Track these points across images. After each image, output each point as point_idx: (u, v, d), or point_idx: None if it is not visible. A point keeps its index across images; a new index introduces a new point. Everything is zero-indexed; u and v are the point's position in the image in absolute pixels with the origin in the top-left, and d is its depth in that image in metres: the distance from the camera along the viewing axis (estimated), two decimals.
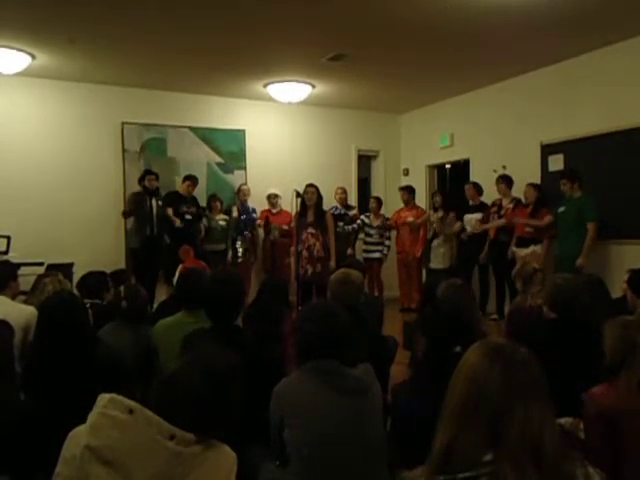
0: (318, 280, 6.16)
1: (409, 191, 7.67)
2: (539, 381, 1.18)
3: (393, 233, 7.75)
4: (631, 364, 1.96)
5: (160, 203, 6.72)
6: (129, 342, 2.86)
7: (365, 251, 7.66)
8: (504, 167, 6.90)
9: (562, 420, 1.92)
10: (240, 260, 7.15)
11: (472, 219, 6.83)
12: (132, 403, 1.33)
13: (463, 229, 6.93)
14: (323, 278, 5.23)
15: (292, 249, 6.98)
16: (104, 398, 1.34)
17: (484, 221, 6.70)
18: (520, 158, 6.83)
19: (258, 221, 7.41)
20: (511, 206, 6.42)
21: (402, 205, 7.72)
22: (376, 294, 7.41)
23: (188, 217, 6.82)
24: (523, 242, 6.07)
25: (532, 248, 5.95)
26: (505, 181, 6.56)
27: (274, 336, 3.16)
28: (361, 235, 7.76)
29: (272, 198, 7.41)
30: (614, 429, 1.86)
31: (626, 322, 2.10)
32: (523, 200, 6.32)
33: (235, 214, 7.22)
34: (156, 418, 1.32)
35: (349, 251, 7.29)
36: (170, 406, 1.36)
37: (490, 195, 6.90)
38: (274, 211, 7.42)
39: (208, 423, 1.37)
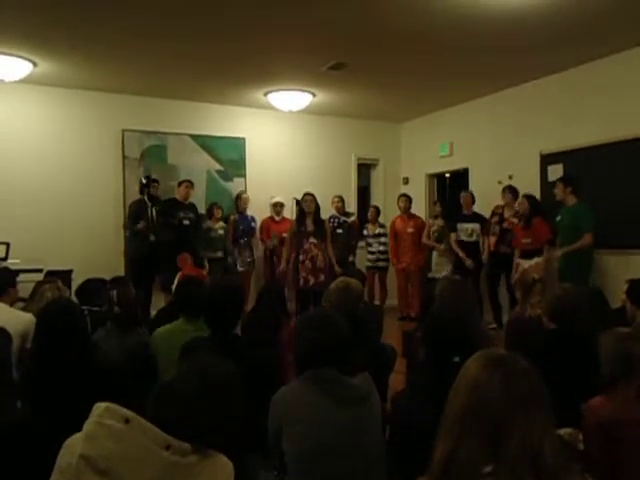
0: (323, 289, 6.14)
1: (410, 199, 7.70)
2: (539, 392, 1.18)
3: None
4: (628, 376, 1.96)
5: (157, 209, 6.71)
6: (119, 348, 2.84)
7: (369, 260, 7.66)
8: (510, 177, 6.89)
9: (561, 431, 1.91)
10: (241, 269, 7.14)
11: (469, 228, 6.87)
12: (128, 412, 1.32)
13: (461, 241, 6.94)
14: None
15: (292, 256, 6.97)
16: (100, 407, 1.33)
17: (485, 232, 6.79)
18: (519, 168, 6.85)
19: (259, 235, 7.42)
20: (516, 220, 6.35)
21: (399, 213, 7.74)
22: (377, 302, 7.41)
23: (186, 222, 6.82)
24: (526, 254, 6.00)
25: (535, 260, 5.89)
26: (512, 192, 6.54)
27: (272, 344, 3.15)
28: (362, 243, 7.78)
29: (277, 207, 7.40)
30: (613, 440, 1.86)
31: (621, 335, 2.10)
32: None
33: (232, 219, 7.23)
34: (152, 428, 1.31)
35: (350, 258, 7.30)
36: (167, 415, 1.35)
37: (488, 205, 6.91)
38: (277, 219, 7.42)
39: (205, 432, 1.36)
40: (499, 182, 6.92)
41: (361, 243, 7.80)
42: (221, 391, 1.42)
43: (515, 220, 6.37)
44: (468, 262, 6.77)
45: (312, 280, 6.33)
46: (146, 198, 6.63)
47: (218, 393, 1.40)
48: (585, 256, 5.51)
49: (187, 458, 1.31)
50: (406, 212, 7.66)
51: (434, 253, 7.24)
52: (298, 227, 6.39)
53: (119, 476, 1.26)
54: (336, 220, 7.44)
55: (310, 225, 6.38)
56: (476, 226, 6.86)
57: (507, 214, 6.56)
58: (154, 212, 6.63)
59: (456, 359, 1.94)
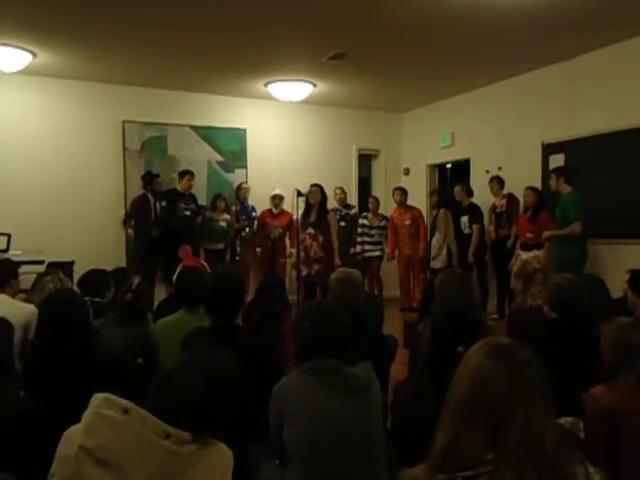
0: (317, 280, 6.18)
1: (405, 192, 7.70)
2: (541, 382, 1.18)
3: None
4: (629, 366, 1.96)
5: (164, 204, 6.70)
6: (125, 338, 2.83)
7: (365, 250, 7.66)
8: (500, 168, 6.96)
9: (562, 420, 1.91)
10: (238, 259, 7.16)
11: (461, 221, 6.92)
12: (127, 403, 1.32)
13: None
14: (324, 278, 5.23)
15: (292, 250, 7.01)
16: (98, 398, 1.33)
17: (476, 223, 6.83)
18: (521, 158, 6.83)
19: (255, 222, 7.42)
20: (504, 202, 6.58)
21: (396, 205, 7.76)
22: (376, 293, 7.42)
23: (187, 213, 6.81)
24: (526, 247, 6.05)
25: (534, 252, 5.90)
26: (499, 182, 6.73)
27: (273, 335, 3.16)
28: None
29: (276, 199, 7.36)
30: (613, 429, 1.87)
31: (622, 324, 2.10)
32: (520, 200, 6.40)
33: (233, 209, 7.23)
34: (151, 417, 1.31)
35: (351, 250, 7.30)
36: (167, 405, 1.35)
37: (488, 195, 6.91)
38: (275, 211, 7.40)
39: (205, 422, 1.37)
40: (487, 171, 6.98)
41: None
42: (221, 381, 1.42)
43: (504, 202, 6.56)
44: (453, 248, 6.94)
45: (305, 270, 6.36)
46: (149, 194, 6.62)
47: (218, 383, 1.41)
48: (579, 246, 5.51)
49: (187, 447, 1.31)
50: (402, 205, 7.65)
51: (433, 244, 7.24)
52: (303, 219, 6.44)
53: (119, 466, 1.26)
54: (338, 212, 7.43)
55: (313, 216, 6.41)
56: (465, 218, 6.90)
57: (497, 202, 6.72)
58: (157, 207, 6.62)
59: (460, 349, 1.94)
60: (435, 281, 3.20)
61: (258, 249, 7.32)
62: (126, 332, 2.90)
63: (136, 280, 3.15)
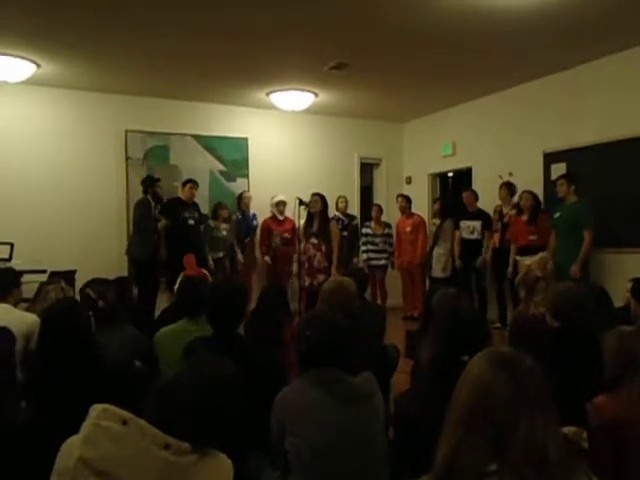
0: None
1: (408, 199, 7.71)
2: (544, 391, 1.17)
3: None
4: (631, 375, 1.95)
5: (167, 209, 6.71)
6: (113, 346, 2.81)
7: (369, 259, 7.66)
8: (510, 174, 6.89)
9: (565, 429, 1.90)
10: (240, 267, 7.15)
11: (470, 226, 6.87)
12: (125, 413, 1.31)
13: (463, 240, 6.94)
14: None
15: (296, 256, 7.00)
16: (97, 408, 1.32)
17: (489, 229, 6.75)
18: (522, 167, 6.83)
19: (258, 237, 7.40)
20: (514, 212, 6.42)
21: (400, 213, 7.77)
22: (379, 302, 7.40)
23: (191, 222, 6.81)
24: (529, 251, 5.99)
25: (540, 255, 5.88)
26: (508, 188, 6.60)
27: (275, 344, 3.15)
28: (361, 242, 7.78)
29: (280, 206, 7.37)
30: (617, 439, 1.85)
31: (624, 333, 2.09)
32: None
33: (233, 219, 7.23)
34: (150, 428, 1.30)
35: (354, 260, 7.30)
36: (167, 414, 1.34)
37: (491, 203, 6.90)
38: (280, 218, 7.40)
39: (205, 432, 1.36)
40: (500, 177, 6.91)
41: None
42: (222, 391, 1.41)
43: (513, 212, 6.38)
44: (457, 262, 6.94)
45: (308, 281, 6.34)
46: (150, 197, 6.62)
47: (219, 393, 1.40)
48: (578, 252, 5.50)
49: (186, 457, 1.30)
50: (405, 212, 7.66)
51: (435, 252, 7.23)
52: (305, 229, 6.44)
53: (118, 478, 1.25)
54: (340, 222, 7.43)
55: (315, 225, 6.41)
56: (477, 224, 6.84)
57: (505, 210, 6.59)
58: (157, 212, 6.62)
59: (465, 358, 1.92)
60: (432, 301, 3.15)
61: (267, 258, 7.29)
62: (118, 337, 2.88)
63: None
